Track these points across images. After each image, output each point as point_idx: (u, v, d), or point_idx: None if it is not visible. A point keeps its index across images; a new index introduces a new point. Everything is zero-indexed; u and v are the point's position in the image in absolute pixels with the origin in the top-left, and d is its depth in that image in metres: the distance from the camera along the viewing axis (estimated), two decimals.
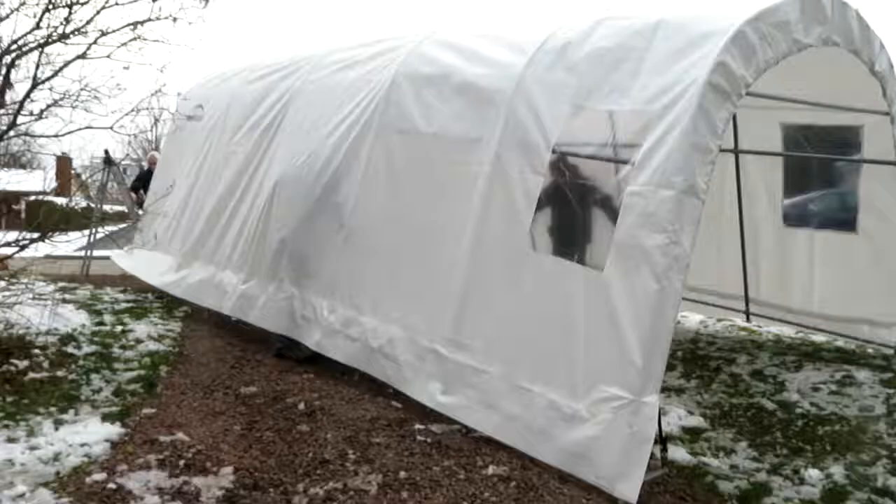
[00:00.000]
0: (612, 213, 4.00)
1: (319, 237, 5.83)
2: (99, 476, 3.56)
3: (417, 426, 4.56)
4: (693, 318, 8.01)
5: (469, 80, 5.06)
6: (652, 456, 3.78)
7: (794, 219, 6.89)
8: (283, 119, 6.69)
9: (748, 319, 7.37)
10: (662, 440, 4.13)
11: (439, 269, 4.84)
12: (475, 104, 4.93)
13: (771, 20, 4.14)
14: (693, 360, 6.53)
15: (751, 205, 7.07)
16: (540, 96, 4.56)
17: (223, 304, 6.63)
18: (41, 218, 5.68)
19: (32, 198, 23.36)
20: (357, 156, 5.68)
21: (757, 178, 7.02)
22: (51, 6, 4.84)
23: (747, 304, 7.31)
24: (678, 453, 4.36)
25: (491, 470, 3.97)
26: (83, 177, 20.74)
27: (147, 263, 8.19)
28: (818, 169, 6.89)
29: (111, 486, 3.47)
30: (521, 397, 4.19)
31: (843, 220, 6.37)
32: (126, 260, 8.78)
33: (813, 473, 4.12)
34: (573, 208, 4.32)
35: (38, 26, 5.00)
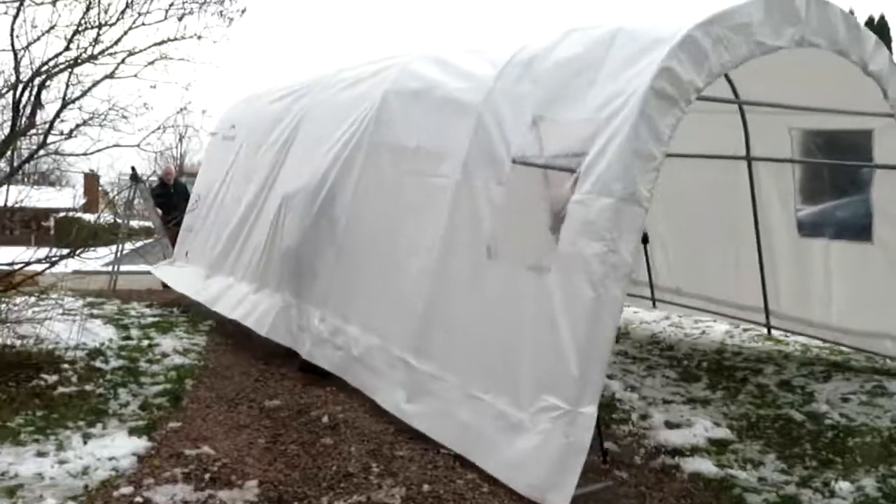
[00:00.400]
0: (561, 223, 4.02)
1: (316, 249, 6.10)
2: (126, 490, 3.60)
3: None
4: (718, 329, 7.93)
5: (447, 95, 5.20)
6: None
7: (809, 228, 6.72)
8: (295, 137, 7.02)
9: (769, 333, 7.24)
10: (602, 451, 4.16)
11: (411, 279, 4.96)
12: (450, 117, 5.05)
13: (727, 23, 4.09)
14: (718, 370, 6.45)
15: (765, 214, 6.94)
16: (505, 108, 4.63)
17: (236, 313, 6.87)
18: (72, 235, 5.79)
19: (61, 215, 23.82)
20: (350, 172, 5.92)
21: (770, 187, 6.88)
22: (80, 28, 4.96)
23: (768, 317, 7.18)
24: (704, 465, 4.30)
25: None
26: (110, 194, 21.09)
27: (183, 276, 8.63)
28: (830, 176, 6.71)
29: (138, 499, 3.51)
30: (474, 406, 4.19)
31: (858, 229, 6.16)
32: (166, 272, 9.25)
33: (844, 486, 4.03)
34: (530, 218, 4.33)
35: (67, 47, 5.14)
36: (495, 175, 4.50)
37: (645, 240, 7.63)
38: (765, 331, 7.33)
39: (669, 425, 4.99)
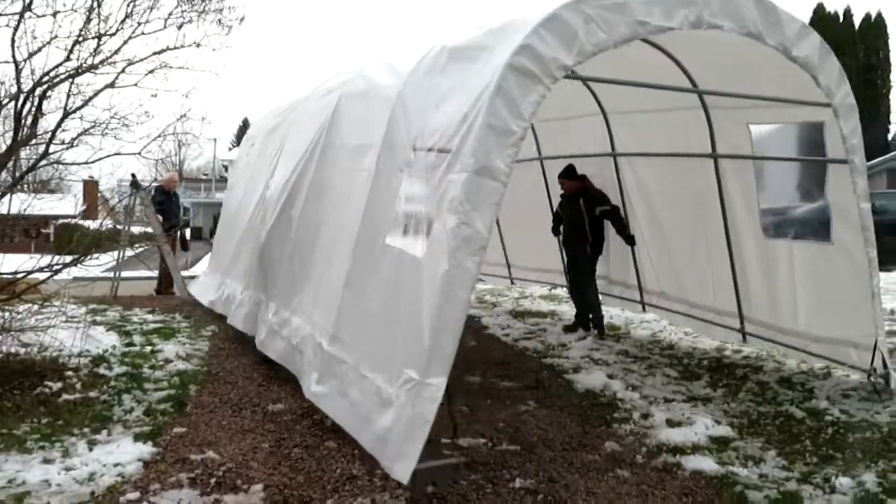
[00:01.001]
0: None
1: (276, 247, 6.46)
2: (133, 495, 3.63)
3: (444, 440, 4.58)
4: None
5: (378, 93, 5.33)
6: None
7: (772, 228, 6.41)
8: (283, 148, 7.30)
9: (744, 340, 6.80)
10: (453, 425, 4.22)
11: (334, 270, 5.15)
12: (375, 113, 5.18)
13: (603, 3, 4.11)
14: (719, 368, 6.49)
15: (732, 214, 6.65)
16: (414, 99, 4.72)
17: (229, 314, 7.34)
18: (74, 242, 5.83)
19: (60, 221, 23.86)
20: (307, 173, 6.20)
21: (735, 186, 6.60)
22: (80, 38, 4.99)
23: (742, 323, 6.78)
24: (705, 463, 4.33)
25: (518, 483, 3.99)
26: (110, 200, 21.10)
27: (205, 286, 9.18)
28: (787, 173, 6.46)
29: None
30: (363, 385, 4.24)
31: (818, 228, 5.85)
32: (195, 286, 9.75)
33: (844, 482, 4.06)
34: (420, 202, 4.34)
35: (68, 58, 5.18)
36: (398, 164, 4.61)
37: (631, 241, 7.65)
38: (740, 338, 6.88)
39: (671, 423, 5.01)
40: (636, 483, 4.09)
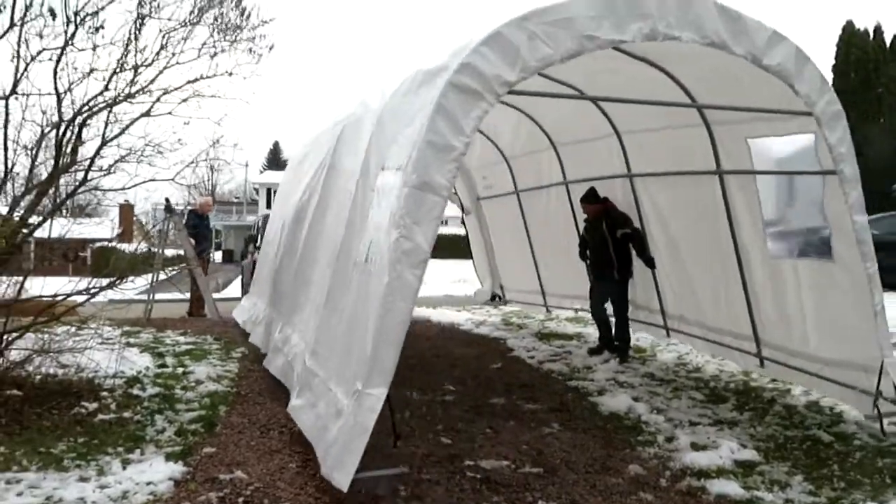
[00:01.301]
0: None
1: (286, 267, 6.73)
2: None
3: (467, 462, 4.63)
4: None
5: (370, 117, 5.51)
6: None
7: (776, 246, 6.19)
8: (304, 175, 7.67)
9: (762, 365, 6.48)
10: (395, 435, 4.28)
11: (319, 286, 5.40)
12: (363, 136, 5.37)
13: (547, 19, 4.16)
14: (746, 391, 6.44)
15: (741, 233, 6.44)
16: (389, 122, 4.86)
17: (251, 333, 7.82)
18: (111, 266, 6.03)
19: (97, 245, 24.48)
20: (313, 196, 6.51)
21: (741, 203, 6.38)
22: (118, 70, 5.22)
23: (759, 347, 6.50)
24: (730, 487, 4.31)
25: None
26: (145, 224, 21.60)
27: (244, 308, 9.67)
28: (788, 188, 6.23)
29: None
30: (328, 397, 4.35)
31: (819, 245, 5.63)
32: (238, 310, 10.10)
33: None
34: (382, 219, 4.46)
35: (106, 88, 5.39)
36: (370, 184, 4.77)
37: (651, 264, 7.58)
38: (758, 363, 6.54)
39: (696, 447, 5.00)
40: None
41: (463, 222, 12.86)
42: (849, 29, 26.61)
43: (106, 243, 23.70)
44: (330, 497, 4.05)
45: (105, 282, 5.50)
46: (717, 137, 6.30)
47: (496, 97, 4.06)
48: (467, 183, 11.77)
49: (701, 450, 4.94)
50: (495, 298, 12.44)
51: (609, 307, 7.93)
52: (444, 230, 52.09)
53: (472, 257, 12.83)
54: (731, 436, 5.21)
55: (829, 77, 26.98)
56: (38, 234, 5.98)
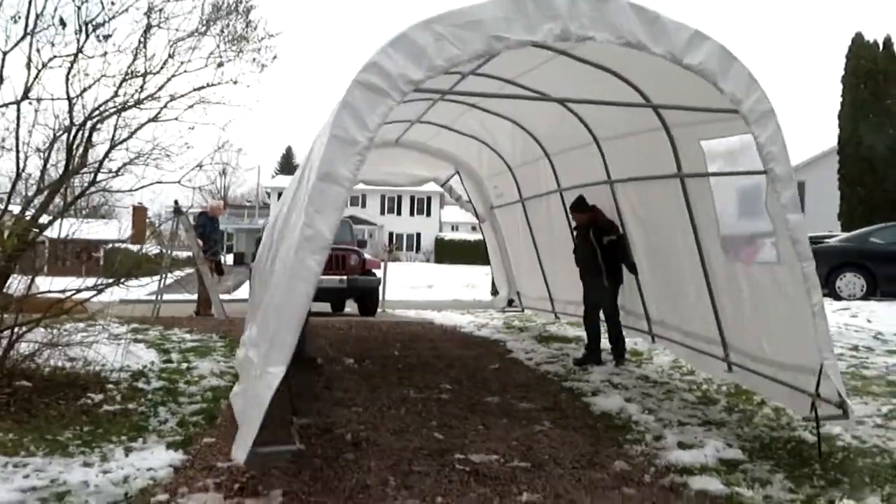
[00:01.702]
0: None
1: (260, 268, 6.92)
2: (162, 497, 3.91)
3: (457, 456, 4.78)
4: None
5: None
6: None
7: (729, 249, 6.06)
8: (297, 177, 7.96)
9: (730, 370, 6.24)
10: (293, 412, 4.42)
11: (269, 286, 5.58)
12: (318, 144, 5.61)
13: (455, 21, 4.29)
14: (737, 394, 6.54)
15: (703, 236, 6.33)
16: (328, 125, 4.98)
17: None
18: (117, 265, 6.24)
19: (110, 246, 24.83)
20: (282, 209, 6.63)
21: (701, 207, 6.27)
22: (128, 77, 5.43)
23: (726, 352, 6.26)
24: (712, 484, 4.42)
25: (525, 497, 4.15)
26: (156, 225, 21.92)
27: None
28: (737, 189, 6.08)
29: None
30: (255, 381, 4.38)
31: (767, 247, 5.50)
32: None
33: (847, 503, 4.13)
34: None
35: (116, 94, 5.60)
36: (304, 188, 4.92)
37: (634, 270, 7.60)
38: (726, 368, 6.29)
39: (682, 446, 5.11)
40: (640, 500, 4.22)
41: (477, 229, 13.05)
42: (858, 41, 26.55)
43: (118, 244, 24.01)
44: (322, 485, 4.21)
45: (111, 280, 5.69)
46: (677, 141, 6.26)
47: (401, 94, 4.24)
48: (480, 192, 11.88)
49: (687, 448, 5.05)
50: (511, 304, 12.52)
51: (603, 316, 7.95)
52: (454, 235, 52.61)
53: (488, 264, 12.97)
54: (718, 436, 5.31)
55: (839, 89, 27.00)
56: (52, 234, 6.21)
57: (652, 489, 4.40)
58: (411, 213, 54.87)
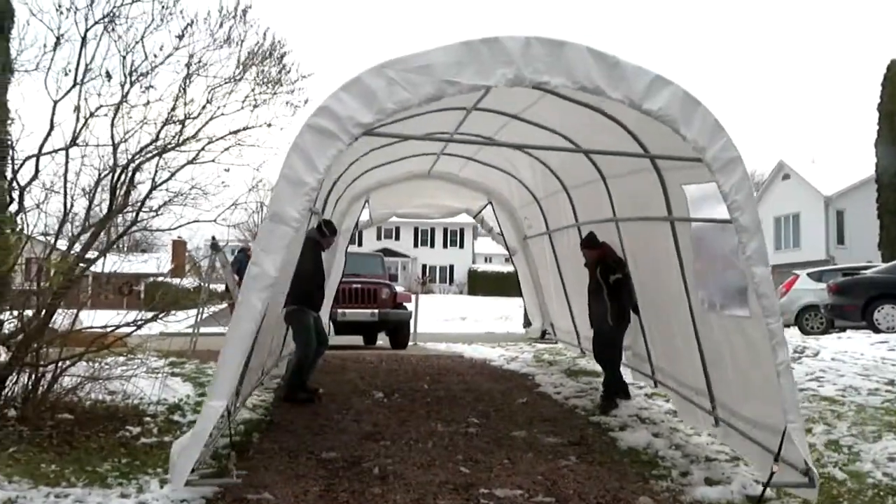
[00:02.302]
0: None
1: None
2: None
3: (482, 490, 4.83)
4: None
5: None
6: None
7: (704, 299, 5.80)
8: None
9: (717, 424, 5.77)
10: (232, 446, 4.73)
11: None
12: None
13: (408, 66, 4.39)
14: None
15: (689, 284, 6.01)
16: None
17: None
18: (157, 300, 6.49)
19: (150, 280, 25.49)
20: None
21: (686, 252, 5.99)
22: (168, 121, 5.74)
23: (713, 404, 5.83)
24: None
25: None
26: (196, 259, 22.46)
27: None
28: (714, 237, 5.77)
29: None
30: (201, 414, 4.50)
31: (735, 298, 5.20)
32: None
33: None
34: None
35: (157, 138, 5.90)
36: None
37: (637, 311, 7.37)
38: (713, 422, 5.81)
39: (709, 482, 5.10)
40: None
41: (509, 261, 13.03)
42: (893, 68, 26.23)
43: (158, 278, 24.62)
44: None
45: (150, 315, 5.92)
46: (666, 183, 6.03)
47: (351, 137, 4.38)
48: (513, 221, 11.89)
49: (714, 485, 5.04)
50: (545, 335, 12.48)
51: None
52: (487, 267, 52.63)
53: (521, 295, 12.94)
54: (746, 472, 5.29)
55: (874, 118, 26.61)
56: (95, 269, 6.49)
57: None
58: (444, 245, 55.11)
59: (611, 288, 7.42)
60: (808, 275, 17.19)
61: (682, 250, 6.03)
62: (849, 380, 8.14)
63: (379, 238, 53.21)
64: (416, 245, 54.60)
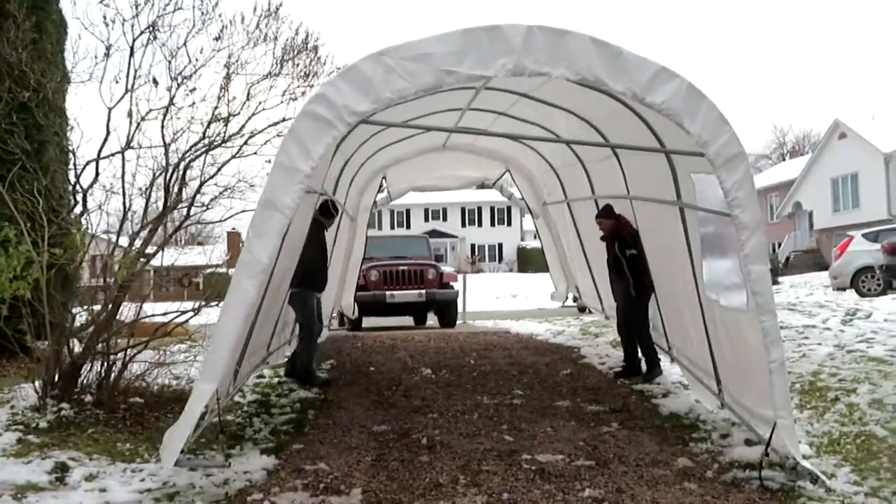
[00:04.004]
0: None
1: None
2: (257, 496, 4.39)
3: (525, 456, 5.06)
4: (821, 351, 7.87)
5: None
6: None
7: (710, 287, 5.75)
8: None
9: (723, 407, 5.82)
10: (221, 431, 4.78)
11: None
12: None
13: (406, 54, 4.35)
14: (811, 391, 6.50)
15: (697, 269, 5.98)
16: None
17: None
18: (212, 289, 6.89)
19: (209, 271, 26.38)
20: None
21: (694, 238, 5.98)
22: (213, 120, 6.08)
23: (719, 387, 5.88)
24: (775, 478, 4.53)
25: (587, 493, 4.39)
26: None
27: None
28: (721, 227, 5.51)
29: (266, 503, 4.30)
30: (192, 395, 4.54)
31: (735, 291, 5.15)
32: None
33: None
34: None
35: (203, 136, 6.25)
36: None
37: (651, 288, 7.33)
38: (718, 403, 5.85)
39: (749, 443, 5.21)
40: (701, 495, 4.38)
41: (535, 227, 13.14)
42: None
43: (215, 269, 25.46)
44: (398, 484, 4.59)
45: (203, 302, 6.30)
46: (676, 168, 5.96)
47: (346, 125, 4.40)
48: (532, 188, 11.89)
49: (753, 445, 5.14)
50: (575, 300, 12.62)
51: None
52: (535, 244, 52.27)
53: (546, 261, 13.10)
54: None
55: None
56: (156, 263, 6.91)
57: (714, 484, 4.55)
58: (492, 224, 55.12)
59: (629, 262, 7.42)
60: (864, 235, 16.75)
61: (693, 236, 6.02)
62: None
63: (426, 220, 53.61)
64: (463, 225, 54.80)
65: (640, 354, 7.63)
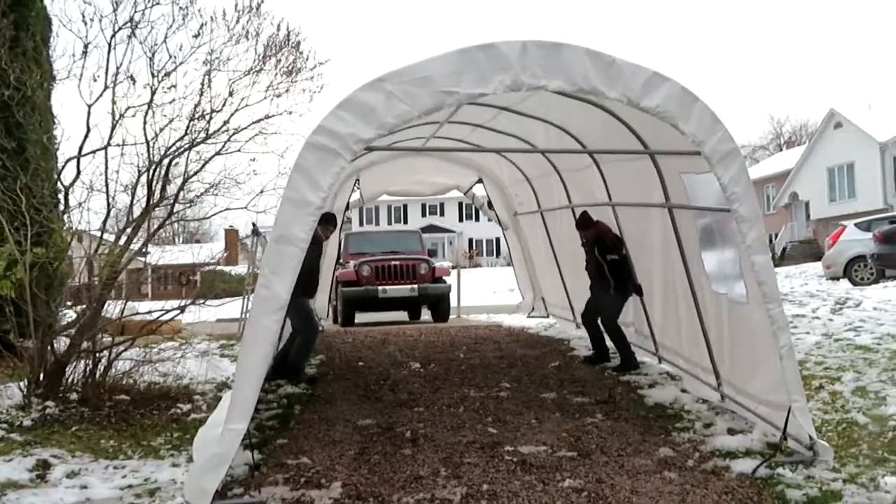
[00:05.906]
0: None
1: None
2: (238, 490, 4.40)
3: (507, 448, 5.08)
4: (808, 340, 7.89)
5: None
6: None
7: (714, 281, 5.84)
8: None
9: (723, 400, 5.87)
10: (256, 467, 4.61)
11: None
12: None
13: (405, 79, 4.38)
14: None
15: (692, 264, 6.11)
16: None
17: None
18: (198, 289, 6.91)
19: (206, 269, 26.44)
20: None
21: (687, 237, 6.09)
22: (195, 117, 6.08)
23: (718, 381, 5.93)
24: (753, 466, 4.54)
25: (567, 483, 4.41)
26: (248, 246, 23.19)
27: None
28: (718, 223, 5.72)
29: (246, 498, 4.31)
30: (223, 437, 4.33)
31: (736, 282, 5.26)
32: None
33: (890, 481, 4.17)
34: None
35: (186, 132, 6.25)
36: None
37: (639, 291, 7.43)
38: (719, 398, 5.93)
39: (731, 432, 5.24)
40: (680, 483, 4.39)
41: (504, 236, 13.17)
42: None
43: (212, 266, 25.46)
44: (378, 477, 4.61)
45: (191, 301, 6.33)
46: (663, 171, 6.12)
47: (353, 153, 4.42)
48: (504, 198, 11.94)
49: (735, 434, 5.17)
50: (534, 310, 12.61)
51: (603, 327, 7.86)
52: None
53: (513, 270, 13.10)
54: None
55: None
56: (148, 260, 6.92)
57: (693, 473, 4.57)
58: (489, 219, 55.11)
59: (610, 266, 7.50)
60: (856, 225, 16.77)
61: (684, 235, 6.11)
62: (888, 328, 8.07)
63: (424, 215, 53.59)
64: (461, 220, 54.79)
65: (607, 343, 7.89)
